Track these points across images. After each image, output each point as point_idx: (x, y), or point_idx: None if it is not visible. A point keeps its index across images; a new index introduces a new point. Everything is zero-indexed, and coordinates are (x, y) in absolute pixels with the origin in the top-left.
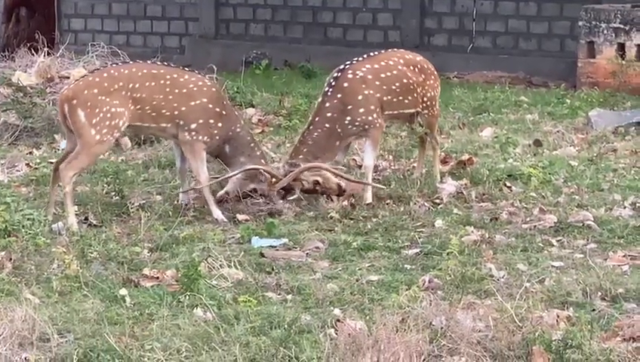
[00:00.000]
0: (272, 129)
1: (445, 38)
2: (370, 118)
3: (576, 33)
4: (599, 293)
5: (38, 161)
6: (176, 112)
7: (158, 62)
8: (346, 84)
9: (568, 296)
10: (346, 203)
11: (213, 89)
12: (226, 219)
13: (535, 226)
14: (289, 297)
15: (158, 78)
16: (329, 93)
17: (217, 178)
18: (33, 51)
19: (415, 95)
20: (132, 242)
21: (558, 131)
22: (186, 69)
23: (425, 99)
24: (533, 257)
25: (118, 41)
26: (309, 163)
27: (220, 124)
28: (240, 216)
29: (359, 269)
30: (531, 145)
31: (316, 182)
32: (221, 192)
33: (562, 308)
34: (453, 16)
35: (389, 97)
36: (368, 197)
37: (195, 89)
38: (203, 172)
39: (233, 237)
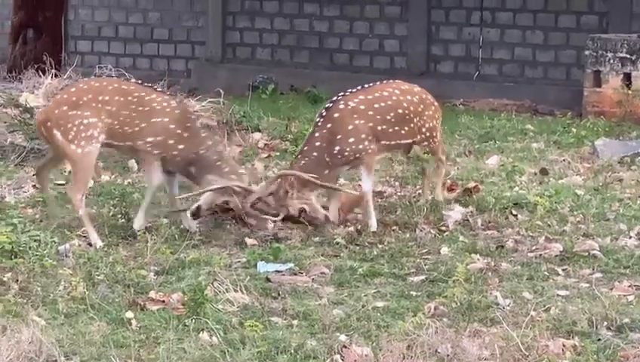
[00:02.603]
0: (278, 153)
1: (451, 65)
2: (360, 146)
3: (583, 62)
4: (605, 323)
5: None
6: (137, 128)
7: (133, 81)
8: (336, 115)
9: (574, 325)
10: (352, 229)
11: (177, 111)
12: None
13: (541, 255)
14: (295, 322)
15: (126, 93)
16: (319, 124)
17: (189, 195)
18: (40, 73)
19: (412, 125)
20: (138, 265)
21: (564, 160)
22: (158, 88)
23: (424, 129)
24: (539, 286)
25: (124, 64)
26: (296, 192)
27: (180, 146)
28: (248, 241)
29: (365, 295)
30: (537, 174)
31: (302, 210)
32: (193, 206)
33: (568, 337)
34: (459, 43)
35: (384, 127)
36: (373, 224)
37: (157, 107)
38: (154, 179)
39: (239, 262)
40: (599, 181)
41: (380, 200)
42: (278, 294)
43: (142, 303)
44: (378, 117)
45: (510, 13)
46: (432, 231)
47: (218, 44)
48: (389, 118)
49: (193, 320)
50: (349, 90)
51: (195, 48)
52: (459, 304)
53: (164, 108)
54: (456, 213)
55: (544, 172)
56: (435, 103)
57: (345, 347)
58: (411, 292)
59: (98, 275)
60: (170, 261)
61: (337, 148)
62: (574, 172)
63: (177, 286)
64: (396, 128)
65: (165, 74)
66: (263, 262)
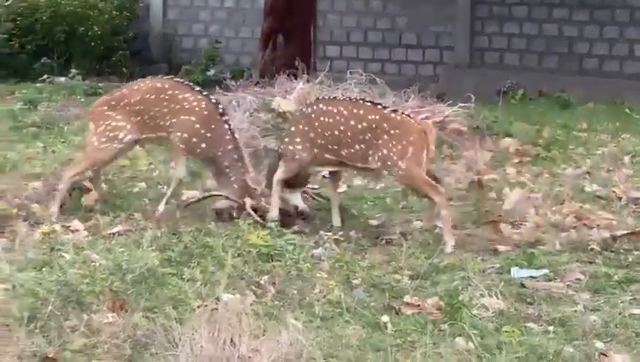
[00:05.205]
0: (529, 159)
1: None
2: (290, 147)
3: None
4: None
5: None
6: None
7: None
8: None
9: None
10: (607, 235)
11: (206, 112)
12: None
13: None
14: (551, 328)
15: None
16: None
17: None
18: (292, 78)
19: (354, 144)
20: (393, 269)
21: None
22: (196, 88)
23: (377, 157)
24: None
25: (372, 69)
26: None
27: (203, 145)
28: (501, 247)
29: (621, 302)
30: None
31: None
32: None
33: None
34: None
35: (322, 141)
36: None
37: (187, 106)
38: (180, 171)
39: (493, 267)
40: None
41: (634, 206)
42: (534, 300)
43: (397, 307)
44: (319, 130)
45: None
46: None
47: (466, 50)
48: (327, 134)
49: (449, 325)
50: (329, 96)
51: (443, 53)
52: None
53: (194, 107)
54: None
55: None
56: (406, 133)
57: (603, 354)
58: None
59: (355, 279)
60: (424, 266)
61: (282, 146)
62: None
63: (432, 291)
64: (335, 147)
65: (416, 79)
66: (517, 267)
